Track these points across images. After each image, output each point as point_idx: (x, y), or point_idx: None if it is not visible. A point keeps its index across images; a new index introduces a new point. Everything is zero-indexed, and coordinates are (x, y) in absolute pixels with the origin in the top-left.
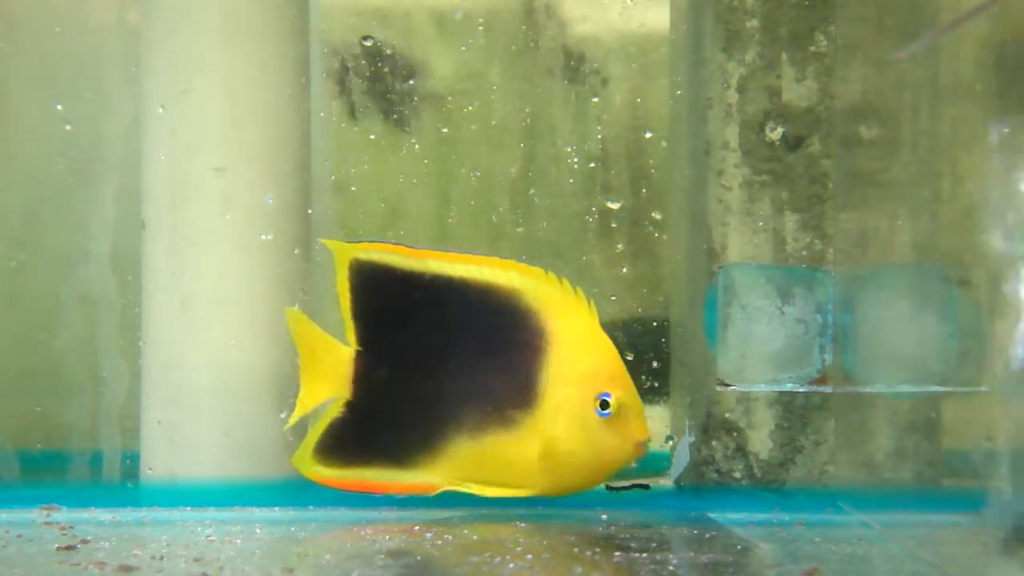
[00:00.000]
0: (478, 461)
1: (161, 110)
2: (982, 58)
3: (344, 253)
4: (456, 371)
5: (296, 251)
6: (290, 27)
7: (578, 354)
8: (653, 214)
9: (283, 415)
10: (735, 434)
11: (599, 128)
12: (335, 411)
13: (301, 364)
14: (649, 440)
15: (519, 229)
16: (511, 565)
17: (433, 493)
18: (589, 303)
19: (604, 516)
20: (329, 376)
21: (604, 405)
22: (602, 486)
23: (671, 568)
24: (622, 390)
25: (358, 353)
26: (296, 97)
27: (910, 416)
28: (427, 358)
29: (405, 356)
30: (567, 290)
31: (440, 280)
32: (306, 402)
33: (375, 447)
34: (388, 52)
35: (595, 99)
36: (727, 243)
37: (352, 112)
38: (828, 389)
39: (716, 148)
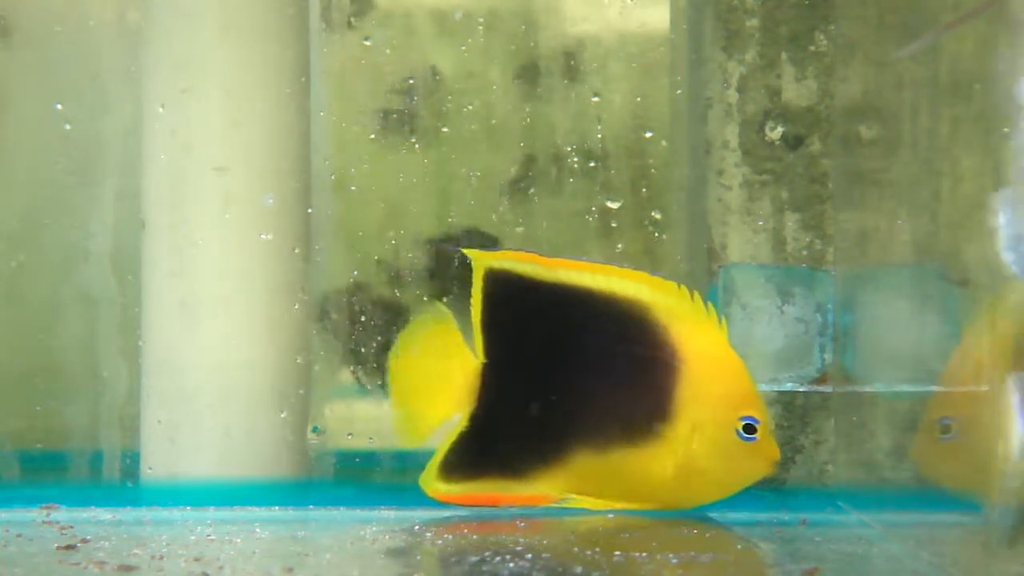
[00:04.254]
0: (600, 475)
1: (161, 110)
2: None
3: (480, 262)
4: (583, 385)
5: (296, 251)
6: (290, 27)
7: (713, 373)
8: (653, 214)
9: (283, 415)
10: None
11: (599, 128)
12: (461, 426)
13: (427, 371)
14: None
15: (519, 229)
16: (511, 565)
17: (550, 503)
18: (720, 320)
19: (610, 515)
20: (459, 389)
21: (750, 429)
22: None
23: (671, 568)
24: (760, 412)
25: (484, 366)
26: (296, 97)
27: (910, 416)
28: (554, 372)
29: (532, 369)
30: (698, 305)
31: (572, 291)
32: (433, 417)
33: (496, 461)
34: None
35: (595, 99)
36: (727, 243)
37: None
38: (828, 389)
39: (716, 148)
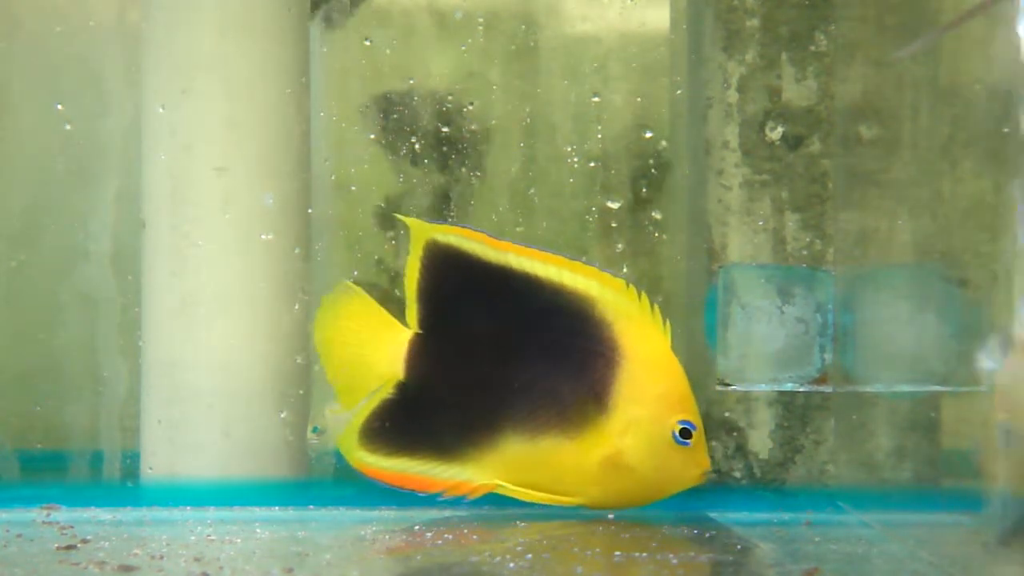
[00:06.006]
0: (530, 464)
1: (161, 110)
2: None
3: (421, 232)
4: (519, 370)
5: (296, 251)
6: (290, 27)
7: (654, 374)
8: (653, 214)
9: (283, 415)
10: (735, 434)
11: (599, 128)
12: (385, 393)
13: (353, 343)
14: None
15: (519, 229)
16: (511, 565)
17: (478, 494)
18: (664, 323)
19: (610, 515)
20: (385, 358)
21: (685, 434)
22: None
23: (671, 568)
24: (695, 418)
25: (417, 336)
26: (296, 97)
27: (910, 416)
28: (490, 352)
29: (467, 346)
30: (644, 307)
31: (517, 275)
32: (361, 386)
33: (425, 437)
34: None
35: (595, 99)
36: (727, 243)
37: None
38: (828, 389)
39: (716, 148)
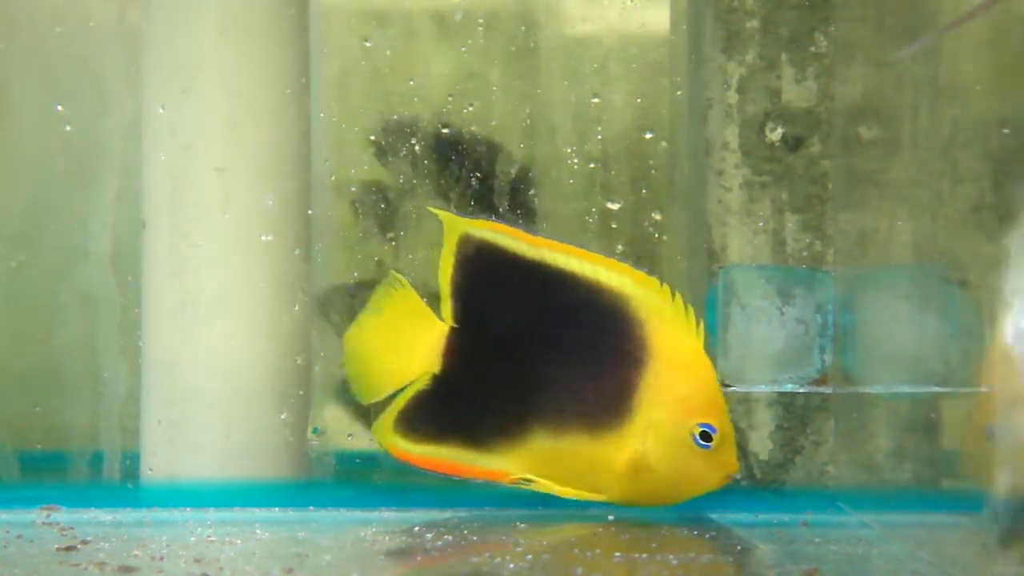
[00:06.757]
0: (556, 459)
1: (161, 110)
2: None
3: (455, 225)
4: (549, 365)
5: (296, 251)
6: (290, 27)
7: (679, 375)
8: (653, 214)
9: (283, 416)
10: (735, 434)
11: (599, 128)
12: (421, 384)
13: (392, 334)
14: (737, 473)
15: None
16: (511, 565)
17: (506, 481)
18: (698, 324)
19: (610, 517)
20: (422, 350)
21: (705, 437)
22: None
23: (671, 569)
24: (720, 421)
25: (452, 330)
26: (296, 97)
27: (910, 416)
28: (522, 347)
29: (500, 340)
30: (678, 307)
31: (550, 271)
32: (398, 376)
33: (454, 427)
34: None
35: (595, 100)
36: (727, 243)
37: None
38: (828, 390)
39: (716, 148)
